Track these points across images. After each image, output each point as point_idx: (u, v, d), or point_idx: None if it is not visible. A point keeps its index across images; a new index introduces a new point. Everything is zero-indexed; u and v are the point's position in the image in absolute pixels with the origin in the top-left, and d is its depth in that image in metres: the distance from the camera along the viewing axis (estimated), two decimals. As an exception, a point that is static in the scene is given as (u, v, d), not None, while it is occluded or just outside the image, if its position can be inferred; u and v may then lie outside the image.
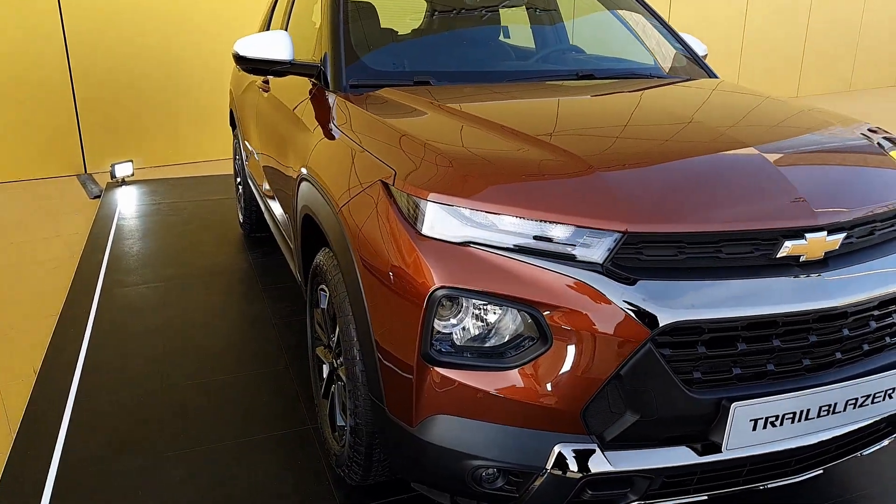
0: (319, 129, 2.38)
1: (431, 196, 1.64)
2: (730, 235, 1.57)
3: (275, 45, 2.56)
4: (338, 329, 2.06)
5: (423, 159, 1.77)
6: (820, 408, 1.63)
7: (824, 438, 1.68)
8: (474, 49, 2.86)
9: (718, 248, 1.58)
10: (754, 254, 1.60)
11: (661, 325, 1.49)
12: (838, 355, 1.65)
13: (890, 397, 1.72)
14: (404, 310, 1.64)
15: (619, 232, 1.54)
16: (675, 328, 1.50)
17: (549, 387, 1.55)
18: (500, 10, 3.29)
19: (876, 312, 1.68)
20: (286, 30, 3.42)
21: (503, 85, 2.50)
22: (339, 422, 2.20)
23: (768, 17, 12.13)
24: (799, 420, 1.61)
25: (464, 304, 1.60)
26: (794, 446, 1.64)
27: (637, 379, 1.52)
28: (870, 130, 2.15)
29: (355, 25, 2.73)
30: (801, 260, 1.61)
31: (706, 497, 1.72)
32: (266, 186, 3.46)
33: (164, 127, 7.08)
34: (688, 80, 2.78)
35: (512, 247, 1.58)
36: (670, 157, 1.80)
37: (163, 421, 2.60)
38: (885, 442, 1.94)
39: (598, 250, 1.55)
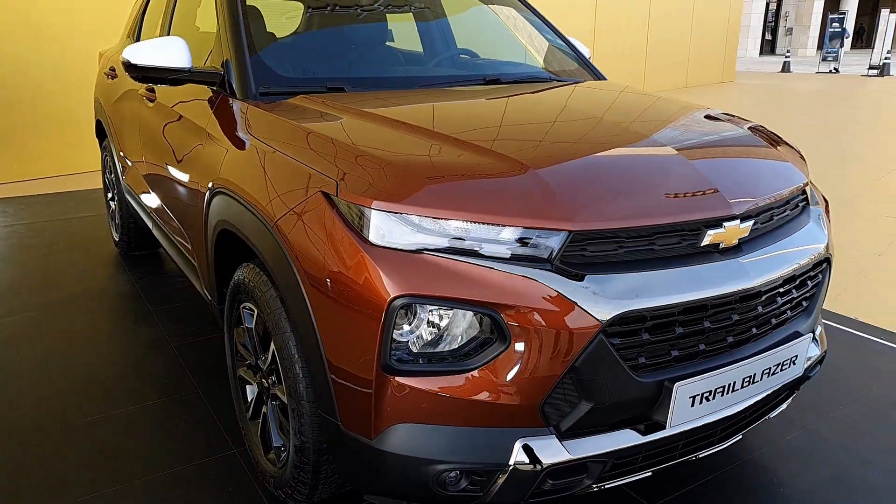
0: (230, 139, 2.28)
1: (378, 204, 1.63)
2: (661, 228, 1.69)
3: (170, 52, 2.43)
4: (273, 347, 2.00)
5: (364, 167, 1.76)
6: (743, 379, 1.79)
7: (745, 406, 1.85)
8: (383, 55, 2.86)
9: (652, 241, 1.69)
10: (682, 244, 1.73)
11: (611, 316, 1.58)
12: (754, 330, 1.83)
13: (793, 364, 1.92)
14: (360, 322, 1.62)
15: (566, 231, 1.61)
16: (623, 318, 1.60)
17: (509, 384, 1.60)
18: (397, 11, 3.31)
19: (781, 289, 1.87)
20: (168, 35, 3.23)
21: (418, 91, 2.52)
22: (276, 442, 2.13)
23: (615, 28, 13.33)
24: (727, 392, 1.77)
25: (421, 312, 1.61)
26: (722, 416, 1.80)
27: (590, 369, 1.60)
28: (735, 121, 2.38)
29: (251, 30, 2.64)
30: (720, 247, 1.77)
31: (650, 473, 1.84)
32: (154, 202, 3.26)
33: (7, 140, 6.45)
34: (581, 81, 2.94)
35: (465, 251, 1.61)
36: (600, 158, 1.90)
37: (70, 464, 2.39)
38: (784, 405, 2.17)
39: (547, 249, 1.61)
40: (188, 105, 2.75)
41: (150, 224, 3.56)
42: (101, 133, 4.47)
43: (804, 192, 2.12)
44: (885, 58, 21.47)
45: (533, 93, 2.60)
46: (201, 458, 2.41)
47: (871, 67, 22.15)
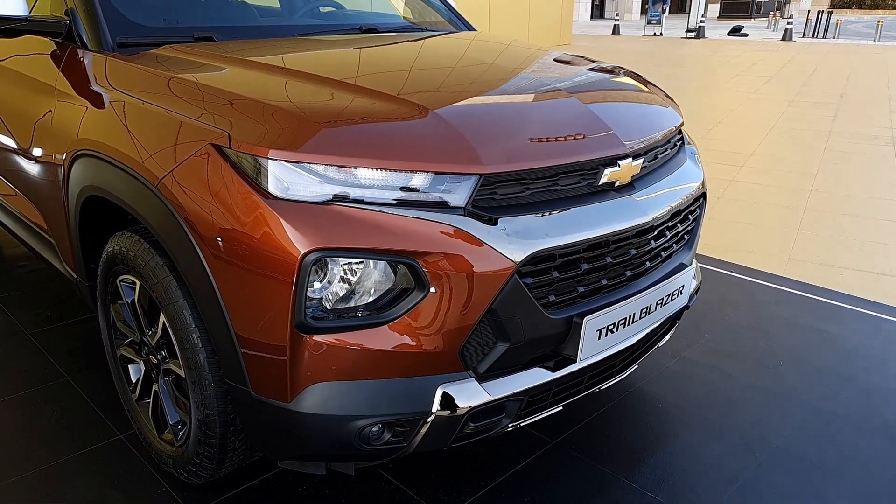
0: (89, 96, 2.05)
1: (276, 153, 1.54)
2: (563, 168, 1.73)
3: (1, -1, 2.14)
4: (163, 319, 1.85)
5: (257, 116, 1.64)
6: (640, 310, 1.89)
7: (641, 337, 1.96)
8: (248, 6, 2.66)
9: (555, 182, 1.73)
10: (582, 183, 1.78)
11: (524, 256, 1.60)
12: (648, 264, 1.93)
13: (680, 293, 2.06)
14: (270, 281, 1.53)
15: (476, 174, 1.60)
16: (535, 257, 1.62)
17: (429, 332, 1.58)
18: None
19: (669, 224, 1.99)
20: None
21: (294, 39, 2.38)
22: (173, 419, 1.98)
23: None
24: (628, 324, 1.86)
25: (334, 266, 1.54)
26: (624, 347, 1.89)
27: (506, 310, 1.62)
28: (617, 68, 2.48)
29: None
30: (616, 185, 1.84)
31: (561, 408, 1.91)
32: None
33: None
34: (455, 32, 2.93)
35: (376, 200, 1.55)
36: (499, 102, 1.90)
37: (-83, 472, 2.10)
38: (670, 335, 2.32)
39: (459, 194, 1.60)
40: (25, 60, 2.44)
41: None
42: None
43: (680, 132, 2.26)
44: (700, 22, 23.33)
45: (416, 41, 2.55)
46: (84, 448, 2.20)
47: (688, 30, 24.00)
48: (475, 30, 3.11)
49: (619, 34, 24.70)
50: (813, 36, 23.71)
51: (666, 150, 2.11)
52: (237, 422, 1.80)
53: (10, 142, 2.54)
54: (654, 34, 24.61)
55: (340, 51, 2.32)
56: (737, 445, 2.29)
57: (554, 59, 2.43)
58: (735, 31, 24.69)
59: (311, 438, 1.64)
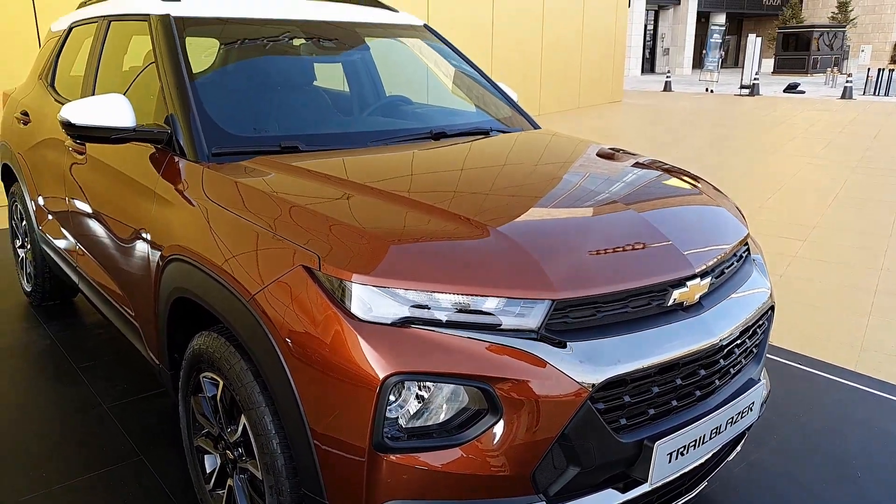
0: (185, 203, 2.20)
1: (359, 278, 1.64)
2: (634, 291, 1.78)
3: (113, 111, 2.33)
4: (244, 421, 1.94)
5: (343, 239, 1.75)
6: (711, 431, 1.90)
7: (710, 455, 1.96)
8: (327, 107, 2.83)
9: (626, 305, 1.78)
10: (650, 305, 1.82)
11: (598, 382, 1.64)
12: (717, 382, 1.94)
13: (751, 410, 2.05)
14: (350, 401, 1.61)
15: (549, 300, 1.67)
16: (608, 383, 1.66)
17: (502, 455, 1.63)
18: (324, 56, 3.29)
19: (738, 340, 2.00)
20: (96, 76, 3.07)
21: (373, 149, 2.51)
22: (247, 517, 2.06)
23: (510, 50, 14.03)
24: (698, 446, 1.87)
25: (412, 387, 1.61)
26: (692, 468, 1.90)
27: (578, 434, 1.66)
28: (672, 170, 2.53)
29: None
30: (684, 305, 1.87)
31: (629, 528, 1.91)
32: (85, 259, 3.07)
33: None
34: (519, 130, 3.03)
35: (451, 323, 1.63)
36: (568, 222, 1.98)
37: (5, 552, 2.21)
38: (738, 448, 2.30)
39: (532, 319, 1.66)
40: (129, 163, 2.61)
41: (75, 278, 3.34)
42: (7, 177, 4.17)
43: (746, 242, 2.28)
44: (755, 78, 23.16)
45: (483, 150, 2.66)
46: (159, 536, 2.29)
47: (742, 87, 23.83)
48: (538, 126, 3.20)
49: (670, 90, 24.72)
50: (874, 93, 23.28)
51: (732, 263, 2.14)
52: (312, 527, 1.86)
53: (107, 234, 2.71)
54: (706, 90, 24.54)
55: (416, 164, 2.43)
56: (810, 566, 2.22)
57: (630, 165, 2.50)
58: (791, 88, 24.41)
59: (383, 554, 1.69)
